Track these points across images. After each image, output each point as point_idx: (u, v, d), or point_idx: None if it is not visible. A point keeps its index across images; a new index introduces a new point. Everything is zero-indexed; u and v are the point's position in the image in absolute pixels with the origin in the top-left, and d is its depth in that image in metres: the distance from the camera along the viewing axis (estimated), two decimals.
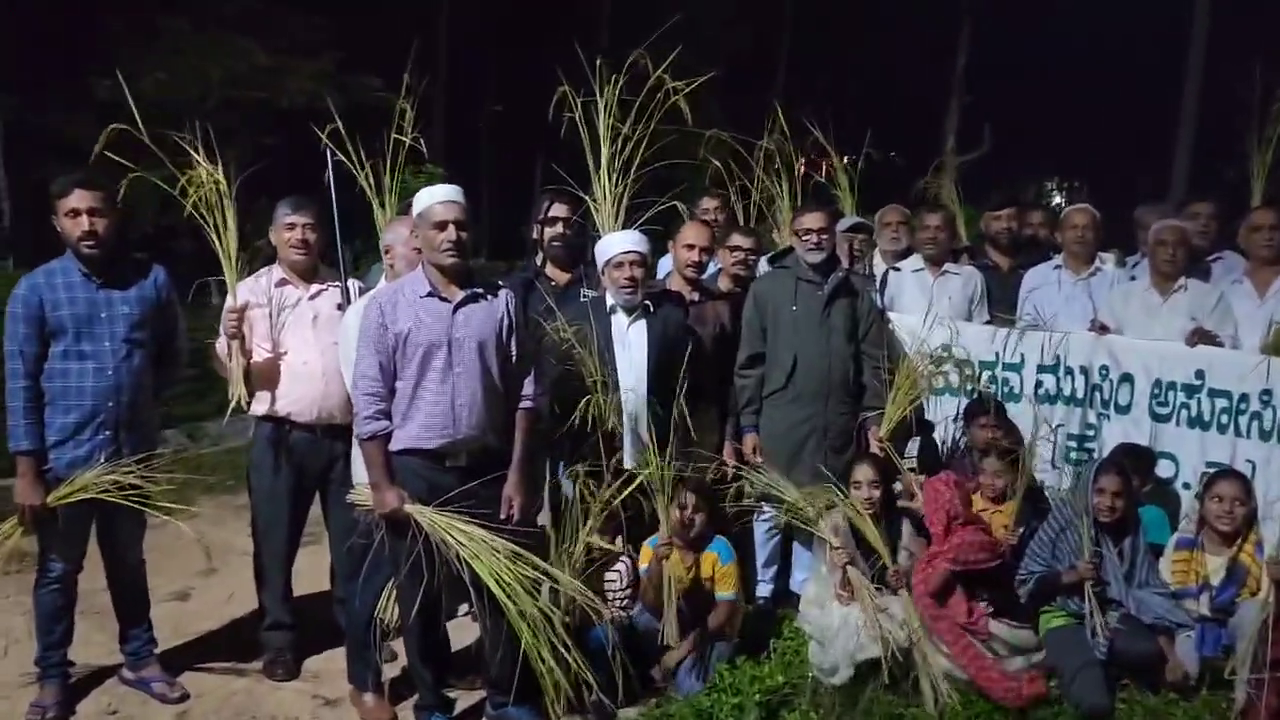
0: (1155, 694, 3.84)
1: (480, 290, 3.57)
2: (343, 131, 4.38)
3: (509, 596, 3.34)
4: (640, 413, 4.29)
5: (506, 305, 3.62)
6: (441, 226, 3.45)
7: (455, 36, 17.88)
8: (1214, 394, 4.47)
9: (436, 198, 3.48)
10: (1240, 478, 4.10)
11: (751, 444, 4.69)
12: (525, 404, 3.69)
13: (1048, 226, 5.74)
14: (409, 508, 3.44)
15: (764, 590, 4.94)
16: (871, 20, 22.59)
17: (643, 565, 4.22)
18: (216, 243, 3.95)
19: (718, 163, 5.38)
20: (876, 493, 4.21)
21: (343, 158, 4.27)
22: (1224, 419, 4.44)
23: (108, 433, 3.77)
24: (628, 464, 4.25)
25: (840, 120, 6.07)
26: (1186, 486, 4.52)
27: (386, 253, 4.03)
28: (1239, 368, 4.40)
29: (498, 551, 3.35)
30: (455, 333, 3.49)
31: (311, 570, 4.67)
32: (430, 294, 3.50)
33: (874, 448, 4.58)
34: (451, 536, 3.38)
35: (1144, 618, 3.93)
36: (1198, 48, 15.22)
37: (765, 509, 4.72)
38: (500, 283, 3.75)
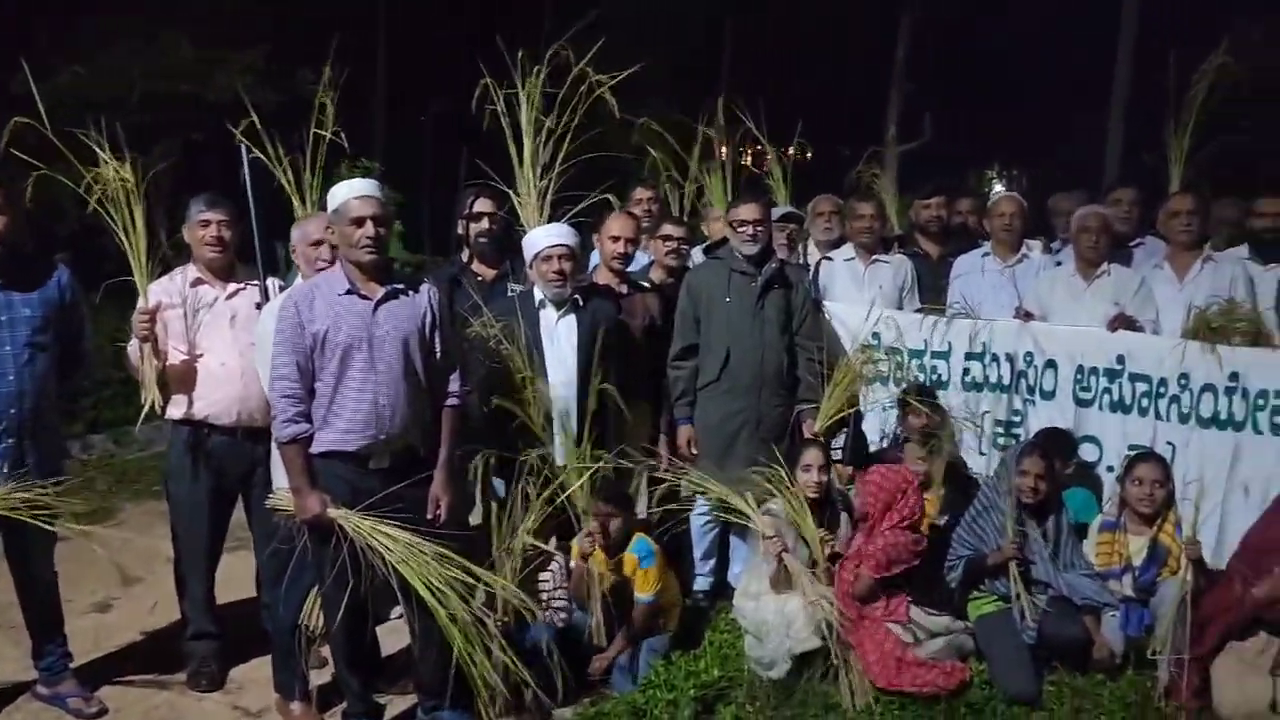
0: (1083, 676, 3.91)
1: (401, 286, 3.50)
2: (259, 126, 4.28)
3: (438, 601, 3.28)
4: (570, 408, 4.25)
5: (429, 301, 3.55)
6: (359, 222, 3.37)
7: (395, 30, 17.62)
8: (1135, 378, 4.54)
9: (353, 193, 3.40)
10: (1159, 460, 4.18)
11: (686, 436, 4.68)
12: (451, 401, 3.63)
13: (977, 214, 5.79)
14: (332, 512, 3.36)
15: (702, 584, 4.93)
16: (813, 11, 22.69)
17: (574, 561, 4.19)
18: (125, 243, 3.82)
19: (655, 153, 5.35)
20: (824, 477, 4.22)
21: (259, 154, 4.16)
22: (1144, 403, 4.52)
23: (10, 440, 3.64)
24: (559, 461, 4.21)
25: (782, 112, 6.07)
26: (1110, 469, 4.59)
27: (293, 251, 3.94)
28: (1158, 352, 4.48)
29: (425, 555, 3.28)
30: (376, 331, 3.41)
31: (237, 577, 4.55)
32: (349, 292, 3.42)
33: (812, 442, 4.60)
34: (377, 541, 3.30)
35: (1073, 599, 3.99)
36: (1127, 35, 15.49)
37: (700, 502, 4.72)
38: (423, 278, 3.67)
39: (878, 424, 5.18)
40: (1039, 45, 21.09)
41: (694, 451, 4.65)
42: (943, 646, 4.01)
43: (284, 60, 11.50)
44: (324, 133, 4.34)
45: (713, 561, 4.95)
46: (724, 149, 5.67)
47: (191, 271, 4.06)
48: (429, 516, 3.52)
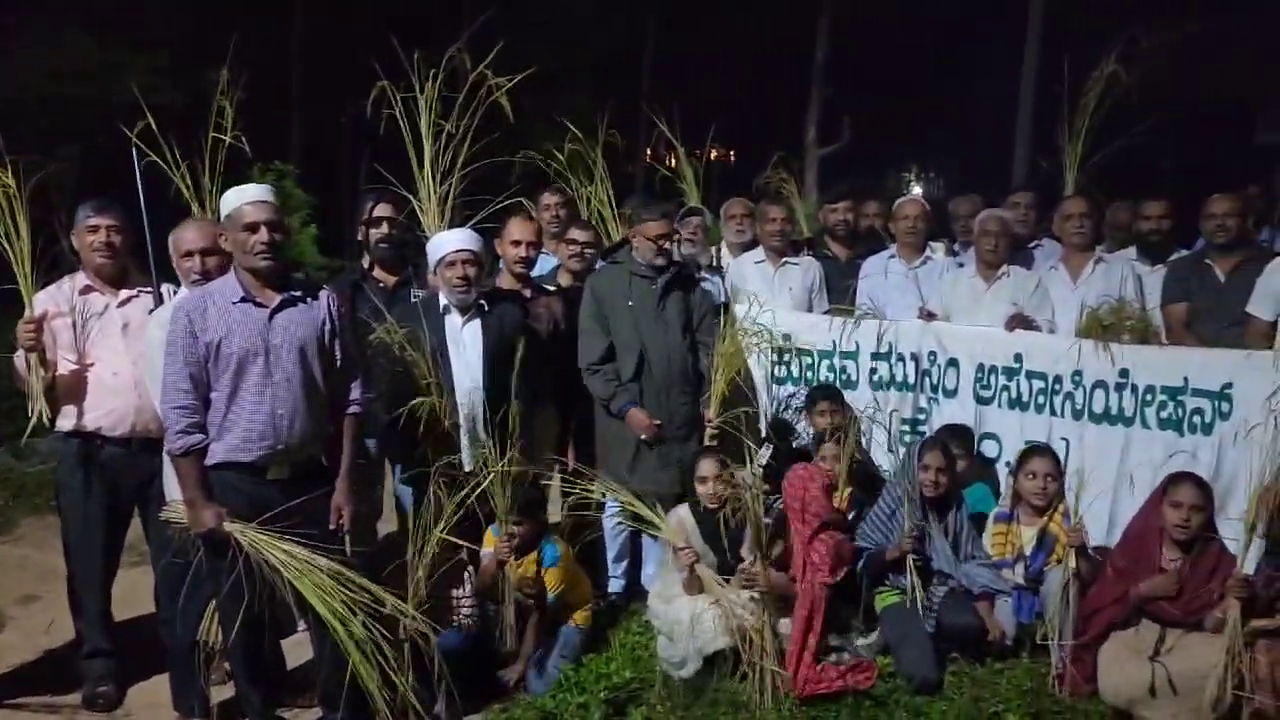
0: (981, 665, 4.01)
1: (298, 294, 3.44)
2: (155, 129, 4.16)
3: (334, 617, 3.23)
4: (477, 414, 4.23)
5: (328, 308, 3.50)
6: (252, 228, 3.31)
7: (312, 29, 17.30)
8: (1031, 376, 4.69)
9: (245, 198, 3.33)
10: (1050, 453, 4.32)
11: (642, 418, 4.59)
12: (352, 409, 3.58)
13: (884, 217, 5.90)
14: (228, 526, 3.29)
15: (616, 586, 4.95)
16: (735, 14, 22.90)
17: (486, 549, 4.16)
18: (9, 250, 3.69)
19: (558, 158, 5.34)
20: (720, 488, 4.25)
21: (153, 156, 4.06)
22: (1040, 399, 4.67)
23: None
24: (467, 465, 4.18)
25: (704, 114, 6.10)
26: (1008, 465, 4.72)
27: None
28: (1054, 351, 4.63)
29: (320, 570, 3.23)
30: (273, 339, 3.35)
31: (136, 592, 4.43)
32: (244, 300, 3.35)
33: (708, 432, 4.66)
34: (272, 556, 3.24)
35: (972, 588, 4.10)
36: (1033, 40, 15.95)
37: (611, 504, 4.74)
38: (321, 284, 3.62)
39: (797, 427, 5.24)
40: (954, 49, 21.64)
41: (650, 430, 4.59)
42: (868, 644, 4.09)
43: (193, 61, 11.23)
44: (224, 136, 4.24)
45: (625, 563, 4.96)
46: (648, 151, 5.71)
47: (80, 279, 3.94)
48: (331, 527, 3.47)
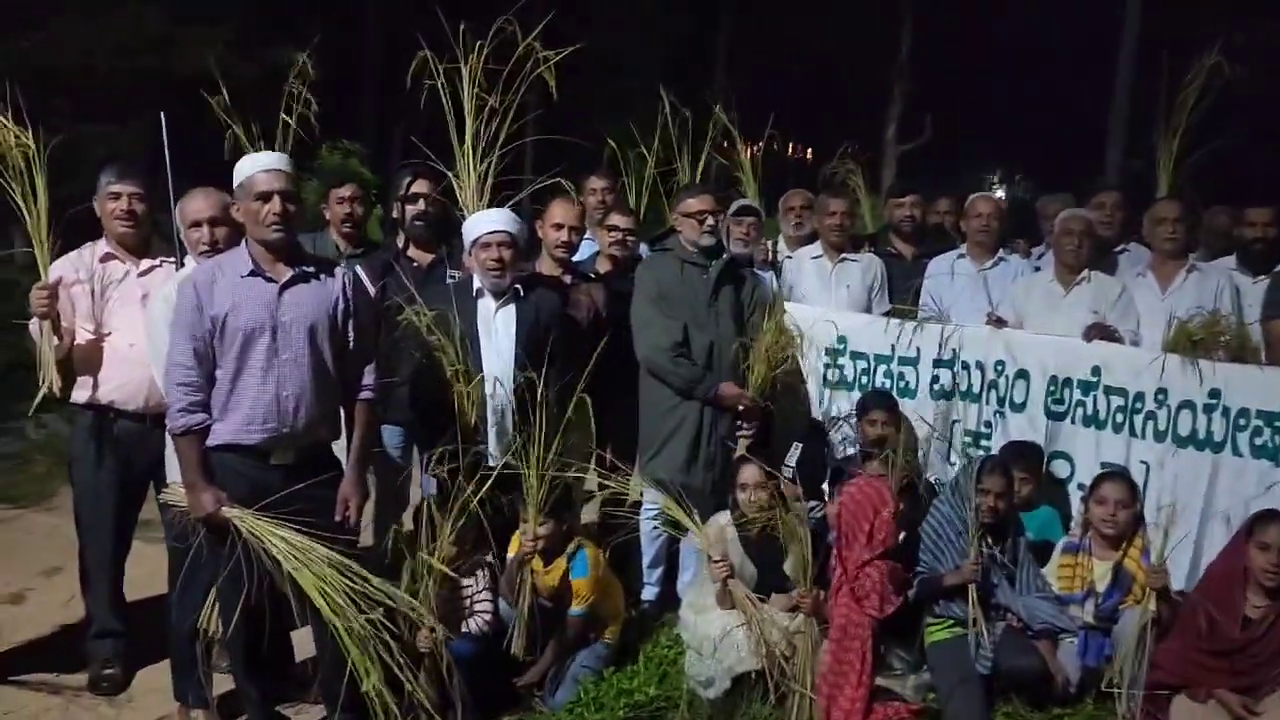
0: (1039, 710, 3.66)
1: (311, 269, 3.24)
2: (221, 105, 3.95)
3: (333, 611, 3.02)
4: (506, 405, 4.00)
5: (343, 285, 3.29)
6: (265, 198, 3.12)
7: (386, 6, 17.32)
8: (1110, 392, 4.28)
9: (259, 165, 3.14)
10: (1124, 479, 3.93)
11: (734, 389, 4.30)
12: (364, 394, 3.38)
13: (955, 214, 5.53)
14: (227, 511, 3.10)
15: (649, 593, 4.68)
16: (814, 4, 22.39)
17: (511, 552, 3.94)
18: (24, 215, 3.56)
19: (612, 143, 5.09)
20: (763, 496, 3.96)
21: (234, 126, 3.84)
22: (1119, 418, 4.26)
23: None
24: (492, 460, 3.96)
25: (777, 107, 5.76)
26: (1081, 488, 4.32)
27: None
28: (1135, 365, 4.23)
29: (321, 562, 3.03)
30: (282, 315, 3.16)
31: (160, 570, 4.29)
32: (253, 273, 3.16)
33: (743, 433, 4.36)
34: (270, 544, 3.04)
35: (1032, 625, 3.74)
36: (1130, 39, 15.24)
37: (648, 505, 4.47)
38: (337, 261, 3.42)
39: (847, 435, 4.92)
40: (1044, 47, 20.85)
41: (749, 400, 4.30)
42: (918, 685, 3.76)
43: (262, 33, 11.23)
44: (289, 117, 4.01)
45: (661, 569, 4.70)
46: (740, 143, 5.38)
47: (101, 246, 3.81)
48: (337, 518, 3.27)
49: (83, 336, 3.73)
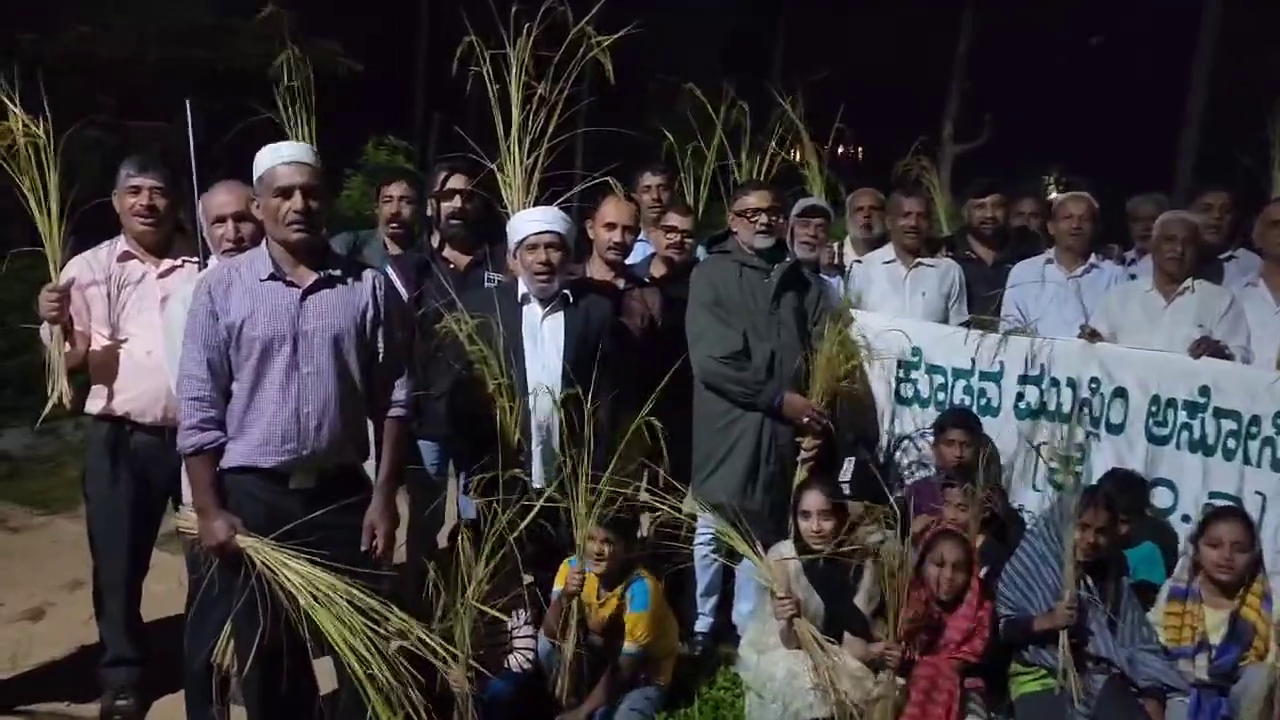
0: None
1: (337, 273, 2.92)
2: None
3: (353, 655, 2.71)
4: (553, 421, 3.67)
5: (373, 291, 2.98)
6: (285, 194, 2.81)
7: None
8: (1220, 414, 3.84)
9: (280, 158, 2.83)
10: (1241, 518, 3.48)
11: (801, 401, 3.94)
12: (395, 411, 3.06)
13: (1040, 216, 5.10)
14: (241, 540, 2.81)
15: (703, 624, 4.32)
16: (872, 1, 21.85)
17: (558, 586, 3.62)
18: (34, 210, 3.30)
19: (668, 136, 4.73)
20: (828, 524, 3.59)
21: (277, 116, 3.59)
22: (1231, 443, 3.82)
23: None
24: (536, 483, 3.64)
25: (833, 101, 5.37)
26: (1186, 519, 3.90)
27: None
28: (1250, 385, 3.79)
29: (341, 600, 2.71)
30: (304, 324, 2.85)
31: (179, 587, 4.03)
32: (272, 277, 2.85)
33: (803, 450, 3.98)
34: (288, 578, 2.74)
35: (1137, 680, 3.33)
36: (1209, 30, 14.50)
37: (703, 530, 4.11)
38: (366, 263, 3.11)
39: (914, 453, 4.53)
40: (1110, 40, 20.12)
41: (815, 412, 3.94)
42: None
43: (311, 28, 11.04)
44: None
45: (715, 598, 4.34)
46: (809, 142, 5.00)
47: (120, 245, 3.54)
48: (363, 548, 2.96)
49: (98, 342, 3.47)
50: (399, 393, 3.06)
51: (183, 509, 3.03)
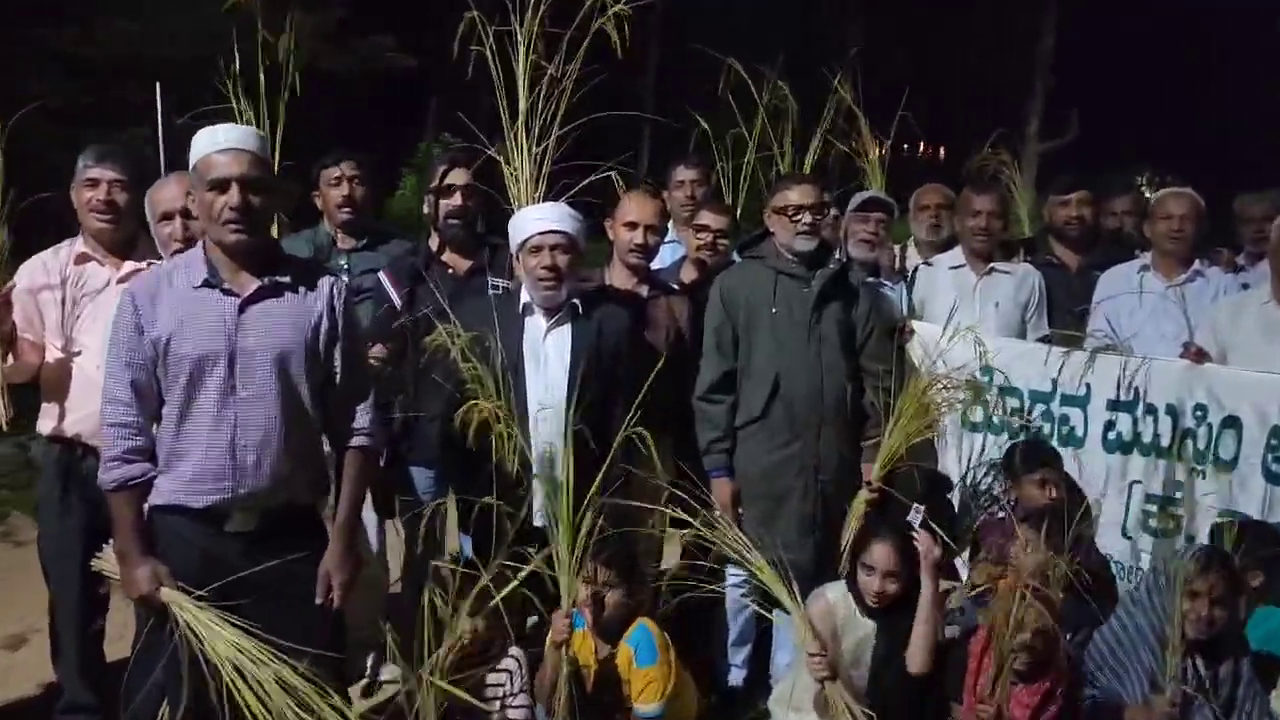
0: None
1: (285, 279, 2.49)
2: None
3: None
4: (558, 449, 3.19)
5: (330, 299, 2.55)
6: (220, 187, 2.39)
7: None
8: None
9: (216, 144, 2.41)
10: None
11: (727, 492, 3.57)
12: (358, 441, 2.63)
13: (1134, 216, 4.46)
14: (167, 593, 2.40)
15: (736, 678, 3.81)
16: None
17: (547, 646, 3.15)
18: None
19: (703, 124, 4.23)
20: (893, 588, 3.08)
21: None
22: None
23: None
24: (537, 520, 3.17)
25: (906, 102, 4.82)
26: None
27: None
28: None
29: (270, 669, 2.28)
30: (242, 340, 2.43)
31: None
32: (207, 284, 2.43)
33: (863, 491, 3.48)
34: (214, 643, 2.31)
35: None
36: None
37: (734, 571, 3.60)
38: (324, 266, 2.68)
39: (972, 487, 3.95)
40: (1205, 35, 19.01)
41: (739, 511, 3.54)
42: None
43: (361, 26, 10.81)
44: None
45: (748, 649, 3.82)
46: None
47: (78, 245, 3.17)
48: (318, 601, 2.52)
49: (52, 354, 3.11)
50: (361, 419, 2.62)
51: (106, 549, 2.63)
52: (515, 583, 2.78)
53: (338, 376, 2.56)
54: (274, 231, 3.52)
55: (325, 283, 2.55)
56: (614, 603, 3.11)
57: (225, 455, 2.41)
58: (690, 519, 3.09)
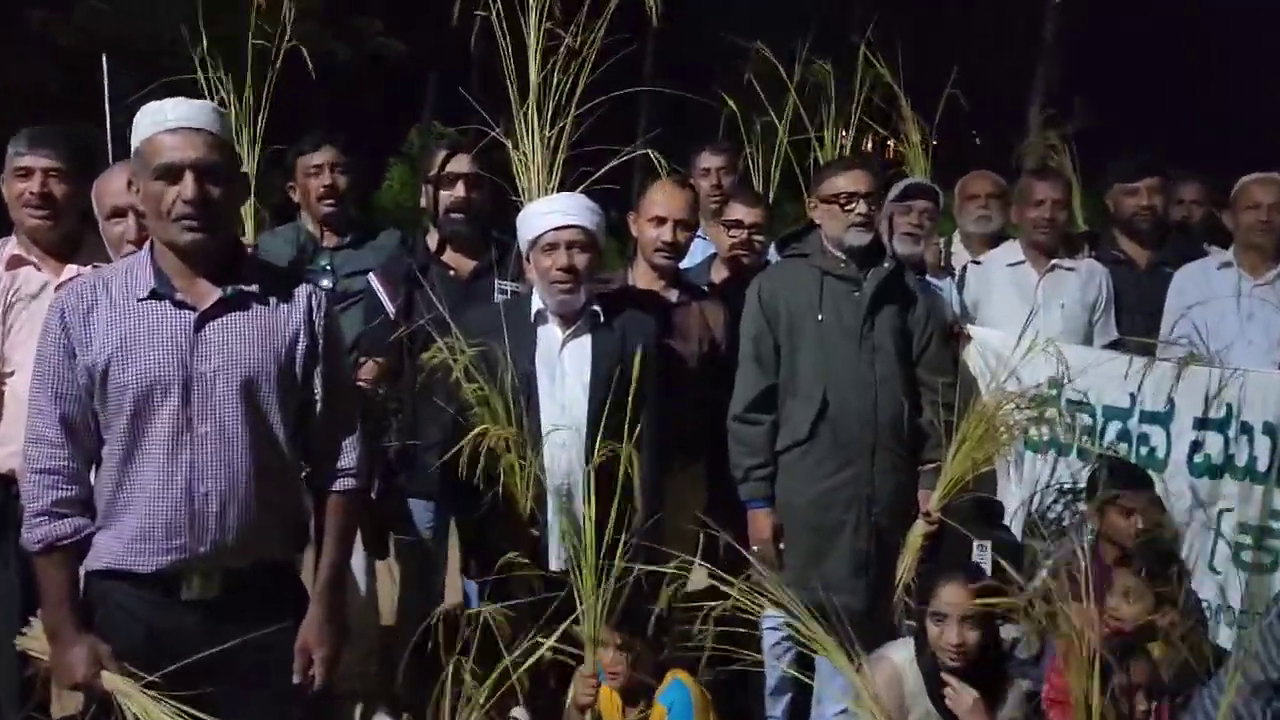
0: None
1: (252, 289, 2.03)
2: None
3: None
4: (577, 480, 2.77)
5: (308, 312, 2.09)
6: (171, 175, 1.92)
7: None
8: None
9: (164, 122, 1.94)
10: None
11: (767, 526, 3.14)
12: (343, 484, 2.17)
13: (1206, 204, 4.04)
14: (109, 679, 1.94)
15: None
16: None
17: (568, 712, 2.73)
18: None
19: (731, 104, 3.79)
20: (973, 636, 2.63)
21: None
22: None
23: None
24: (554, 564, 2.74)
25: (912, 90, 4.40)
26: None
27: None
28: None
29: None
30: (200, 364, 1.97)
31: None
32: (155, 295, 1.97)
33: (919, 523, 3.13)
34: None
35: None
36: None
37: (771, 616, 3.16)
38: (300, 272, 2.24)
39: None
40: (1218, 20, 18.71)
41: (780, 547, 3.13)
42: None
43: (348, 7, 10.34)
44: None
45: (787, 699, 3.39)
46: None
47: (10, 245, 2.71)
48: (295, 679, 2.07)
49: None
50: (347, 457, 2.16)
51: (35, 623, 2.16)
52: (545, 647, 2.33)
53: (318, 405, 2.10)
54: (248, 231, 3.10)
55: (302, 292, 2.09)
56: (636, 661, 2.68)
57: (179, 506, 1.95)
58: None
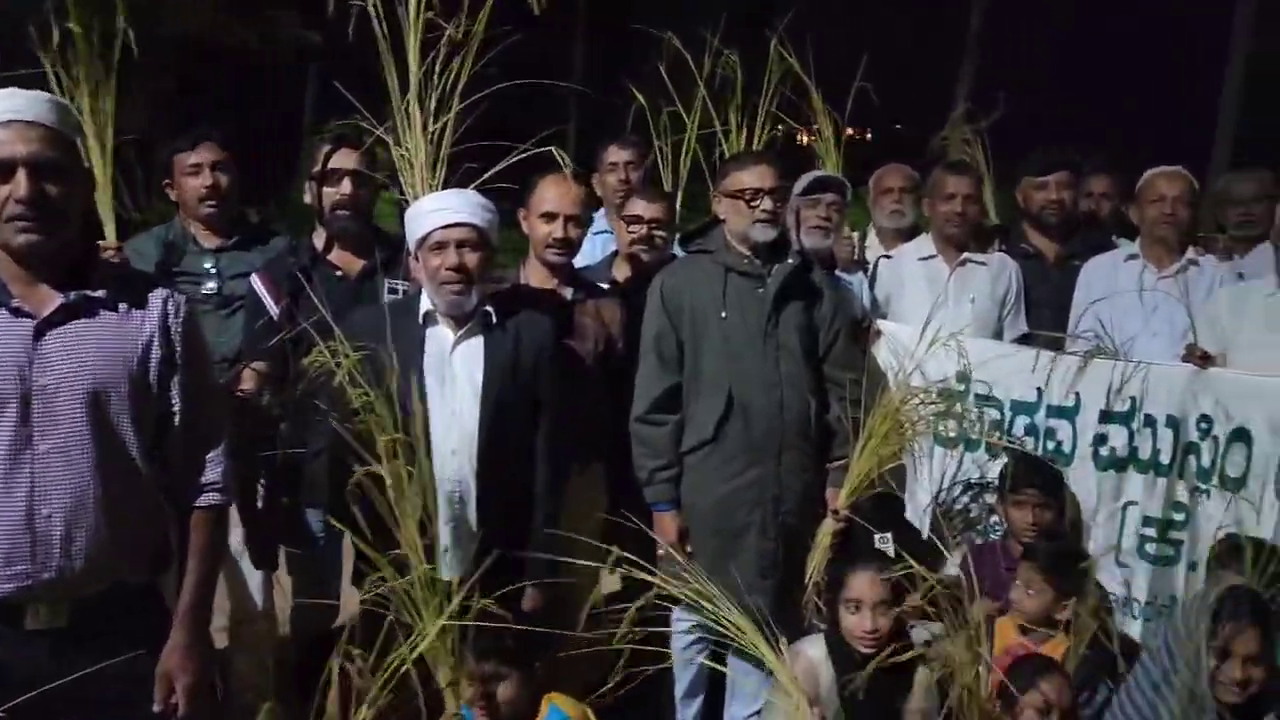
0: None
1: (99, 294, 1.90)
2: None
3: None
4: (469, 490, 2.67)
5: (164, 317, 1.96)
6: (3, 172, 1.79)
7: None
8: None
9: None
10: None
11: (673, 528, 3.07)
12: (208, 499, 2.05)
13: (1115, 198, 4.07)
14: None
15: None
16: None
17: None
18: None
19: (639, 97, 3.70)
20: (885, 622, 2.62)
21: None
22: None
23: None
24: (446, 575, 2.63)
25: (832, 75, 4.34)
26: None
27: None
28: None
29: None
30: (40, 376, 1.83)
31: None
32: None
33: (827, 521, 3.08)
34: None
35: None
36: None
37: (680, 617, 3.10)
38: (153, 276, 2.11)
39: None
40: (1137, 15, 19.12)
41: (688, 550, 3.05)
42: None
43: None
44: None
45: (699, 701, 3.33)
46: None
47: None
48: (156, 708, 1.95)
49: None
50: (211, 471, 2.04)
51: None
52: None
53: (176, 417, 1.98)
54: (109, 233, 2.92)
55: (157, 297, 1.96)
56: (507, 697, 2.56)
57: (20, 529, 1.82)
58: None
